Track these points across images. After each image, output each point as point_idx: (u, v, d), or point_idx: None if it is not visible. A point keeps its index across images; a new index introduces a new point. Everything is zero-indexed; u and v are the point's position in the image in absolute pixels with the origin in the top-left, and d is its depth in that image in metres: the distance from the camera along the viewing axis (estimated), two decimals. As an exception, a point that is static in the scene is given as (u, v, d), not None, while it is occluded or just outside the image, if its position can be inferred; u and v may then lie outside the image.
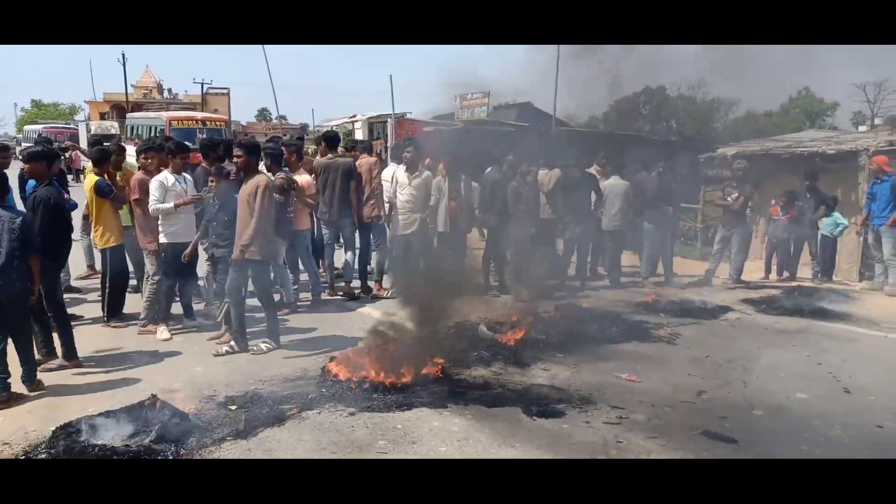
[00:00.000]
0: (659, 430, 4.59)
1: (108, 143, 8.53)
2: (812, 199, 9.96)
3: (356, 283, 8.55)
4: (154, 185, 6.54)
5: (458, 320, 6.92)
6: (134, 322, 6.86)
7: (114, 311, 6.91)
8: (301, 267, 8.15)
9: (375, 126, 24.55)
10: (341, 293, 8.39)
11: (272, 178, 6.67)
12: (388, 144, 18.61)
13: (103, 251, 6.77)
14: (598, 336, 6.71)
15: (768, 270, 10.27)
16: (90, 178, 6.77)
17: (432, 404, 4.91)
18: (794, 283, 9.64)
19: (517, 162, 8.83)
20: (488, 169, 9.00)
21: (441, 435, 4.45)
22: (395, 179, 8.21)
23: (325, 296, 8.22)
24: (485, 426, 4.60)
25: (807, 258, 10.20)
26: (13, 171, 6.26)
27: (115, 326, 6.82)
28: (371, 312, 7.62)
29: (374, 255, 8.83)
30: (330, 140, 8.89)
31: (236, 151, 6.23)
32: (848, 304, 8.46)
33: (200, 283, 7.42)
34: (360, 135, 24.63)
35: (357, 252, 8.59)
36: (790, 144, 12.63)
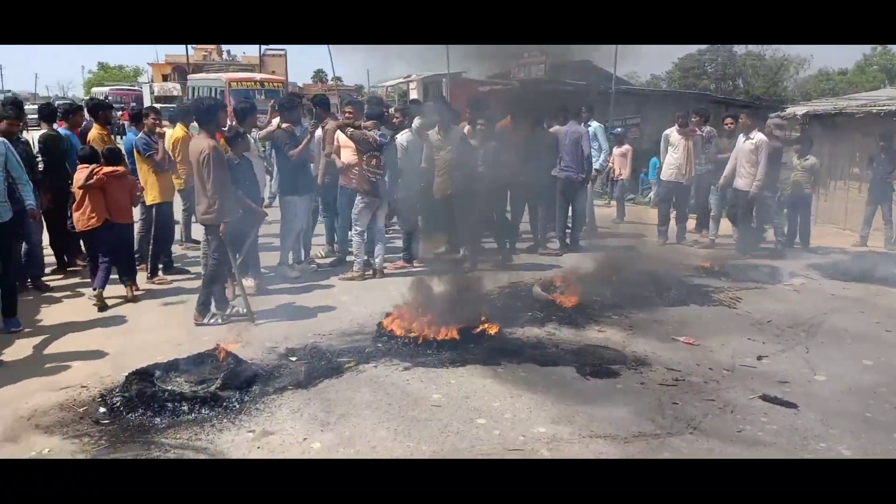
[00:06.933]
0: (716, 394, 4.53)
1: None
2: (887, 161, 9.45)
3: None
4: None
5: (513, 281, 6.94)
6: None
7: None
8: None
9: (431, 86, 24.31)
10: None
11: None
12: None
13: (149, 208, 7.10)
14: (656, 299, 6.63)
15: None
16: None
17: (486, 361, 4.97)
18: (864, 249, 9.25)
19: None
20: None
21: (493, 391, 4.50)
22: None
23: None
24: (538, 383, 4.63)
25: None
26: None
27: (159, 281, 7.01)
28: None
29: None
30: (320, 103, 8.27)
31: None
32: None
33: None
34: (414, 95, 24.45)
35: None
36: (865, 103, 11.96)
